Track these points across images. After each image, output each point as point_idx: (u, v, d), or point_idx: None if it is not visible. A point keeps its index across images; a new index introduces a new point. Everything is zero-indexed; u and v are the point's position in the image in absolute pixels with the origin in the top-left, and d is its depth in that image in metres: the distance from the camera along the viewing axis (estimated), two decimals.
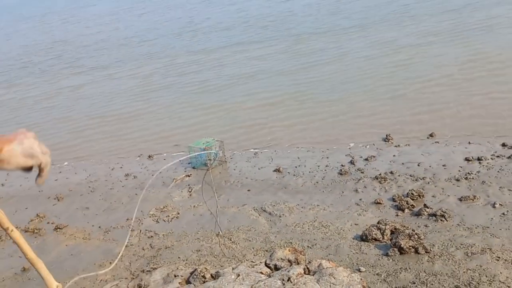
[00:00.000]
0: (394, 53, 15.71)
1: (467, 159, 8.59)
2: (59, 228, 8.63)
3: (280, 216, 7.74)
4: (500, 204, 6.94)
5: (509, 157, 8.40)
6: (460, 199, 7.33)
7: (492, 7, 18.94)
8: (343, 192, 8.23)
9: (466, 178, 7.91)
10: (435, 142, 9.64)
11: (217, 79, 16.69)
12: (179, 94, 15.95)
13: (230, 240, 7.24)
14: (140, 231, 8.06)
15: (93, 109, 16.00)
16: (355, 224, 7.14)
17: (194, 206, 8.67)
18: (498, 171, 7.98)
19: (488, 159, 8.47)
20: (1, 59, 29.02)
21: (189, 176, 10.06)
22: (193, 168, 10.43)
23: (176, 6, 37.33)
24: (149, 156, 11.58)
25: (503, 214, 6.72)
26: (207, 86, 16.11)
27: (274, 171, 9.55)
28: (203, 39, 23.72)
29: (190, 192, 9.30)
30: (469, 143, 9.31)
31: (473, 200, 7.21)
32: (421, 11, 20.56)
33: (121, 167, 11.25)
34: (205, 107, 14.21)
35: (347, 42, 18.08)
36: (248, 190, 8.97)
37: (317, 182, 8.78)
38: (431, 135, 9.91)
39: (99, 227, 8.50)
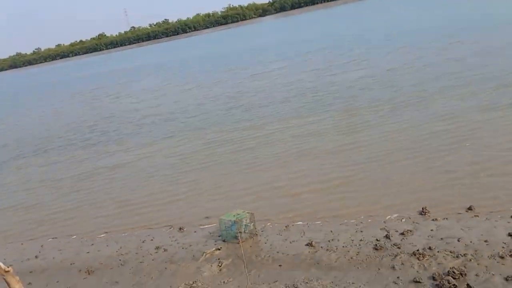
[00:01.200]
0: (455, 128, 14.71)
1: (510, 235, 8.14)
2: None
3: None
4: None
5: None
6: (506, 279, 6.87)
7: None
8: (379, 269, 7.87)
9: (511, 256, 7.44)
10: (475, 216, 9.23)
11: (261, 158, 16.01)
12: (220, 171, 15.53)
13: None
14: None
15: (125, 190, 15.75)
16: None
17: (224, 282, 8.44)
18: None
19: None
20: (46, 135, 30.07)
21: (219, 249, 9.89)
22: (223, 241, 10.27)
23: (222, 81, 37.96)
24: (180, 229, 11.53)
25: None
26: (250, 165, 15.50)
27: (307, 245, 9.28)
28: (250, 114, 23.39)
29: (220, 266, 9.09)
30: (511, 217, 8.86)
31: None
32: (482, 83, 19.58)
33: (151, 240, 11.20)
34: (244, 185, 13.77)
35: (397, 117, 17.35)
36: (280, 266, 8.70)
37: (351, 258, 8.45)
38: (469, 209, 9.51)
39: None
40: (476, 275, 7.14)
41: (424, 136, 14.60)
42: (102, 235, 12.24)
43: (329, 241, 9.31)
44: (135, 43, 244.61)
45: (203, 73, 47.38)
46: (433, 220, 9.39)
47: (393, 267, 7.82)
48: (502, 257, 7.47)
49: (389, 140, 14.97)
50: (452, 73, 22.59)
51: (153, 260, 10.05)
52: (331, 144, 15.87)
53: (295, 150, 16.09)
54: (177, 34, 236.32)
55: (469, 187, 10.60)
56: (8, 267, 5.21)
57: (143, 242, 11.18)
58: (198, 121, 24.36)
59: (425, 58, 28.23)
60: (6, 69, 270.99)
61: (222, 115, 24.75)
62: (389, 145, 14.56)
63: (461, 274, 7.14)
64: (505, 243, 7.91)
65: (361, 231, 9.47)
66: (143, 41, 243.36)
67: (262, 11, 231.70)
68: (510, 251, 7.57)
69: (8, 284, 5.01)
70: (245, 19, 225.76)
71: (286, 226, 10.44)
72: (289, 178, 13.53)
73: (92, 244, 11.73)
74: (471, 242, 8.20)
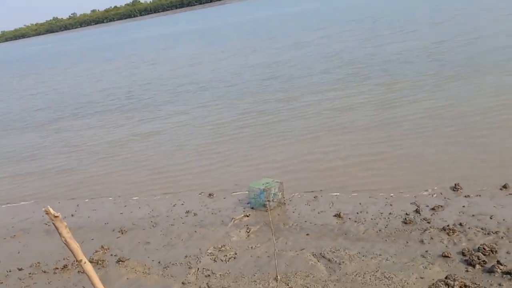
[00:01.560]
0: (499, 106, 14.03)
1: None
2: (121, 261, 8.89)
3: (340, 264, 7.49)
4: None
5: None
6: None
7: None
8: (407, 242, 7.85)
9: None
10: (509, 194, 9.01)
11: (294, 130, 15.81)
12: (252, 141, 15.47)
13: (288, 285, 7.08)
14: (198, 269, 8.10)
15: (158, 157, 16.21)
16: (421, 278, 6.74)
17: (251, 247, 8.62)
18: None
19: None
20: (83, 101, 30.69)
21: (247, 216, 10.07)
22: (252, 208, 10.43)
23: (259, 50, 37.42)
24: (210, 195, 11.75)
25: None
26: (283, 137, 15.35)
27: (335, 216, 9.33)
28: (286, 85, 22.99)
29: (248, 232, 9.27)
30: None
31: None
32: None
33: (182, 204, 11.49)
34: (276, 156, 13.70)
35: (440, 92, 16.71)
36: (307, 234, 8.80)
37: (379, 230, 8.45)
38: (504, 187, 9.28)
39: (159, 262, 8.66)
40: (508, 252, 7.03)
41: (466, 113, 14.12)
42: (135, 198, 12.63)
43: (357, 213, 9.32)
44: (169, 9, 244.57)
45: (240, 41, 46.98)
46: (465, 196, 9.23)
47: (421, 241, 7.79)
48: None
49: (428, 116, 14.56)
50: (505, 47, 21.61)
51: (183, 223, 10.34)
52: (366, 119, 15.58)
53: (329, 123, 15.89)
54: (211, 1, 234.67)
55: (506, 166, 10.30)
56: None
57: (173, 206, 11.49)
58: (233, 91, 24.26)
59: (476, 31, 27.06)
60: (43, 33, 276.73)
61: (258, 85, 24.53)
62: (427, 121, 14.17)
63: (491, 251, 7.05)
64: None
65: (391, 205, 9.42)
66: (176, 8, 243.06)
67: None
68: None
69: (57, 229, 5.30)
70: None
71: (314, 197, 10.49)
72: (321, 151, 13.46)
73: (125, 206, 12.13)
74: (503, 220, 8.05)
